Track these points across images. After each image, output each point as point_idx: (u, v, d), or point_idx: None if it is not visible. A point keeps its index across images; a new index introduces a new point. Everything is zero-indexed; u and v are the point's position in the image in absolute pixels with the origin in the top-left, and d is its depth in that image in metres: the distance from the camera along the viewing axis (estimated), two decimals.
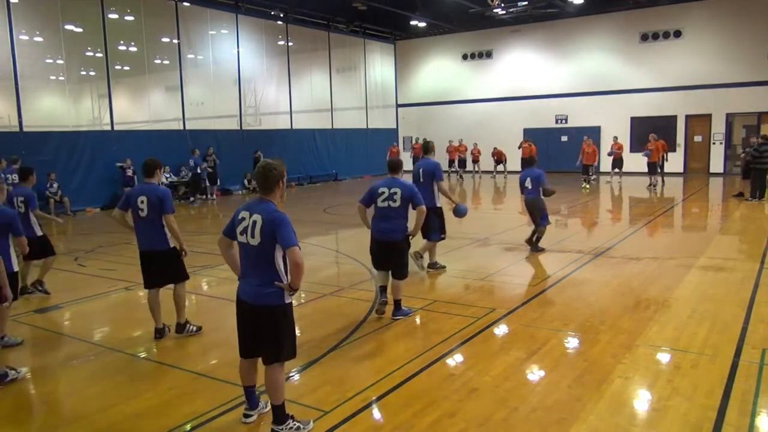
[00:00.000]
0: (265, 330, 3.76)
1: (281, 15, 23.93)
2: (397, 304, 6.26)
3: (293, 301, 3.90)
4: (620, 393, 4.30)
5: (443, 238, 8.21)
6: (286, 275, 3.75)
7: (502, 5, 22.86)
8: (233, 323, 6.39)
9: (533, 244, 9.52)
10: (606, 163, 22.05)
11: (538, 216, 9.31)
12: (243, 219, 3.74)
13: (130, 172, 17.85)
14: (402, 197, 6.10)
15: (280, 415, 3.80)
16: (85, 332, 6.25)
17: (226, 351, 5.51)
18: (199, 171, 18.95)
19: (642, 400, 4.25)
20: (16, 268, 5.69)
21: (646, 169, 20.54)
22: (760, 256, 8.71)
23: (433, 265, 8.34)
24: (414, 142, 28.67)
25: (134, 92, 23.19)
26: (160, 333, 5.80)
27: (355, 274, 8.41)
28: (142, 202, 5.68)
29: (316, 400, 4.29)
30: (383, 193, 6.18)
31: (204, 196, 19.43)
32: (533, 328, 5.78)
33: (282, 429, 3.78)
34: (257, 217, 3.67)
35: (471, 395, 4.31)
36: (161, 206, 5.66)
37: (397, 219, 6.15)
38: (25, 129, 15.92)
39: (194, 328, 5.94)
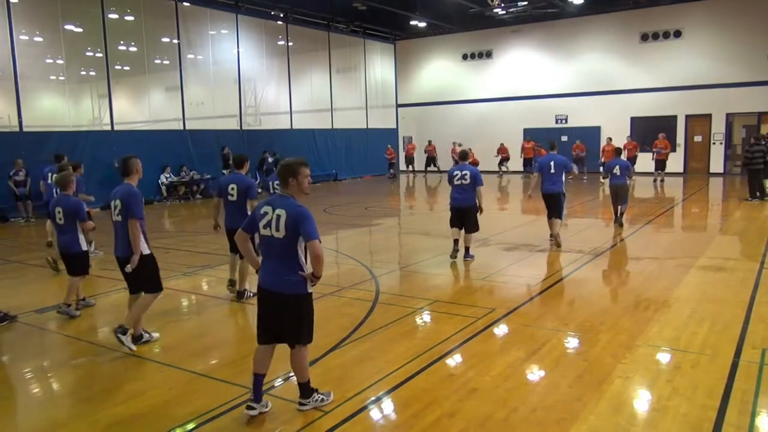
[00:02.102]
0: (290, 317, 3.99)
1: (281, 15, 23.93)
2: (467, 250, 8.86)
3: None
4: (620, 393, 4.30)
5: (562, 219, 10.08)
6: (306, 265, 4.00)
7: (502, 5, 22.86)
8: (233, 323, 6.43)
9: (618, 219, 11.52)
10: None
11: (625, 197, 11.46)
12: (266, 213, 3.95)
13: None
14: (470, 177, 8.54)
15: (306, 390, 4.13)
16: (85, 332, 6.24)
17: (226, 351, 5.52)
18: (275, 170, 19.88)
19: (642, 400, 4.25)
20: (84, 248, 6.74)
21: (647, 169, 21.56)
22: (760, 256, 8.71)
23: (556, 237, 9.89)
24: (408, 142, 28.94)
25: (134, 92, 23.22)
26: (232, 283, 7.16)
27: (355, 274, 8.41)
28: (232, 188, 6.96)
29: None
30: (456, 175, 8.64)
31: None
32: (533, 328, 5.78)
33: (309, 402, 4.11)
34: (281, 211, 3.89)
35: (471, 395, 4.31)
36: (247, 192, 6.92)
37: (469, 192, 8.61)
38: (25, 129, 15.91)
39: (251, 293, 7.01)
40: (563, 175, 9.74)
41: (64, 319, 6.69)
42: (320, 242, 3.88)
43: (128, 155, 5.62)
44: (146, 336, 5.63)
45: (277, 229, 3.88)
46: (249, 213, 6.47)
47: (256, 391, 4.09)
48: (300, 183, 4.00)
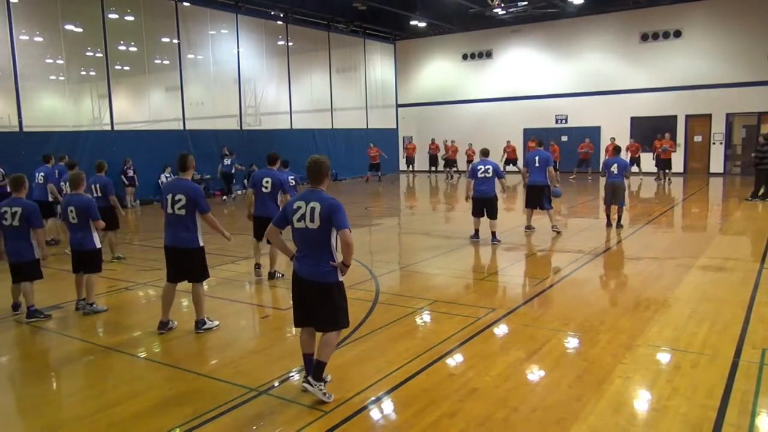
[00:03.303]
0: (324, 304, 4.28)
1: (281, 15, 23.92)
2: (494, 234, 10.20)
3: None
4: (620, 393, 4.30)
5: (551, 209, 10.94)
6: (337, 255, 4.31)
7: (502, 5, 22.84)
8: (233, 323, 6.44)
9: (617, 222, 11.34)
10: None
11: (621, 197, 11.20)
12: (299, 208, 4.26)
13: (131, 173, 17.84)
14: (493, 171, 10.00)
15: (320, 372, 4.29)
16: (85, 332, 6.24)
17: (226, 351, 5.51)
18: (233, 171, 19.53)
19: (642, 400, 4.25)
20: (98, 245, 6.84)
21: (646, 168, 21.82)
22: (760, 256, 8.71)
23: (554, 227, 10.85)
24: (408, 142, 28.87)
25: (134, 92, 23.19)
26: (258, 266, 8.07)
27: (355, 273, 8.39)
28: (266, 182, 7.79)
29: (316, 400, 4.28)
30: (480, 169, 10.03)
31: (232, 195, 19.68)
32: (533, 328, 5.78)
33: (315, 386, 4.26)
34: (315, 204, 4.20)
35: (471, 395, 4.31)
36: (281, 187, 7.78)
37: (491, 184, 10.05)
38: (25, 129, 15.90)
39: (281, 274, 8.00)
40: (546, 169, 10.72)
41: (63, 318, 6.69)
42: (350, 231, 4.20)
43: (185, 152, 6.01)
44: (209, 323, 6.04)
45: (312, 221, 4.19)
46: (280, 204, 7.74)
47: (309, 369, 4.39)
48: (329, 178, 4.41)
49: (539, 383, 4.58)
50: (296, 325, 4.45)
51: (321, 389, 4.25)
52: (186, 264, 5.88)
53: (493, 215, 10.17)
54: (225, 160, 19.40)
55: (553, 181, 10.95)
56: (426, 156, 27.86)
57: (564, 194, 18.46)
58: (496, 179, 10.14)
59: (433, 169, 27.44)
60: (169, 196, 5.75)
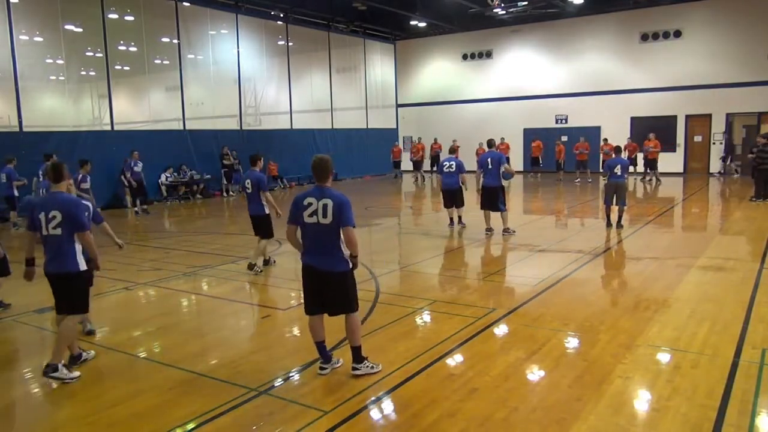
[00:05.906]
0: (337, 290, 4.61)
1: (281, 15, 23.92)
2: (459, 218, 11.71)
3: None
4: (620, 393, 4.30)
5: (505, 210, 11.06)
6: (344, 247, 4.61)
7: (502, 5, 22.84)
8: (233, 323, 6.43)
9: (617, 222, 11.34)
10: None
11: (624, 197, 11.23)
12: (310, 204, 4.51)
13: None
14: (455, 166, 11.28)
15: (358, 355, 4.67)
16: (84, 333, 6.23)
17: (226, 351, 5.51)
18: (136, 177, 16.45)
19: (642, 400, 4.25)
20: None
21: (641, 168, 21.78)
22: (760, 256, 8.71)
23: (506, 231, 10.95)
24: (416, 142, 28.73)
25: (134, 92, 23.17)
26: (252, 266, 8.45)
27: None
28: (248, 183, 8.37)
29: (316, 400, 4.29)
30: (445, 165, 11.37)
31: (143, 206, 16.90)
32: (533, 328, 5.78)
33: (360, 367, 4.65)
34: (327, 201, 4.47)
35: (471, 395, 4.31)
36: (259, 186, 8.28)
37: (454, 178, 11.27)
38: (25, 129, 15.90)
39: (273, 260, 8.76)
40: (500, 169, 10.87)
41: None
42: (354, 227, 4.49)
43: (57, 161, 5.26)
44: (84, 354, 5.23)
45: (325, 216, 4.46)
46: (264, 202, 8.28)
47: (323, 354, 4.75)
48: (332, 175, 4.68)
49: (539, 383, 4.58)
50: (308, 313, 4.72)
51: (367, 366, 4.65)
52: (66, 292, 4.94)
53: (459, 204, 11.42)
54: (134, 165, 16.33)
55: (508, 171, 11.12)
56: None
57: (564, 194, 18.52)
58: (460, 174, 11.28)
59: (433, 170, 27.29)
60: (42, 215, 4.84)
